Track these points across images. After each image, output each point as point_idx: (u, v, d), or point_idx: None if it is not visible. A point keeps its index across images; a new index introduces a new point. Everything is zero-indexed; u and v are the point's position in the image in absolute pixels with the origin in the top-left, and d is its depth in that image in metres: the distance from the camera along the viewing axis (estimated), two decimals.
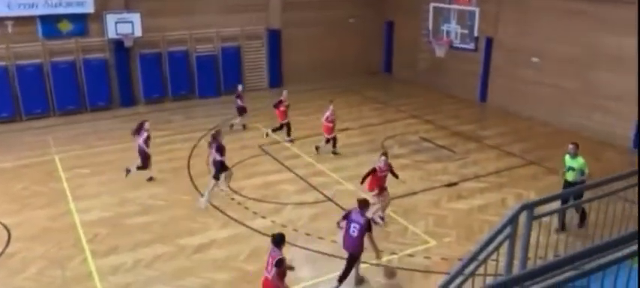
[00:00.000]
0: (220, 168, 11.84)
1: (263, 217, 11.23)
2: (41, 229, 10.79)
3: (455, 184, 12.78)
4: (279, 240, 7.50)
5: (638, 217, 3.78)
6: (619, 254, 3.75)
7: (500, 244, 4.79)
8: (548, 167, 13.76)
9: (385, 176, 10.83)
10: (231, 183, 12.63)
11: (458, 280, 4.61)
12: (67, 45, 18.18)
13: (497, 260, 4.86)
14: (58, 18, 17.78)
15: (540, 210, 4.91)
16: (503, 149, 15.02)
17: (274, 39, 21.36)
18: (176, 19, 19.51)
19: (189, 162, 14.21)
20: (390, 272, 9.15)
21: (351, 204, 11.65)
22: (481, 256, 4.72)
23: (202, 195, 11.92)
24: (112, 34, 18.10)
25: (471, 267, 4.71)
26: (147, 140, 12.81)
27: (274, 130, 15.75)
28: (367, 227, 8.40)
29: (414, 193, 12.33)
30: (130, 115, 18.41)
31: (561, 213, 9.98)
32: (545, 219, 5.07)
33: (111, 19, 17.96)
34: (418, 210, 11.59)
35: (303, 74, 22.09)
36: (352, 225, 8.46)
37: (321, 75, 22.45)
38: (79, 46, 18.24)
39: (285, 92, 15.99)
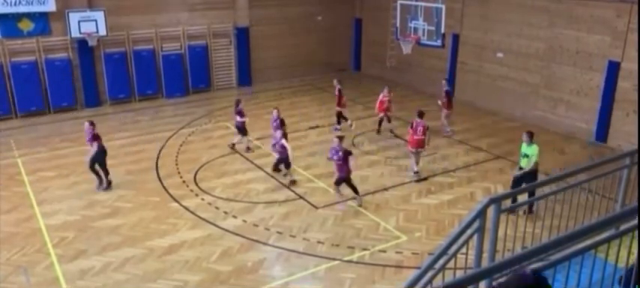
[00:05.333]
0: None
1: (234, 217, 11.15)
2: (4, 235, 10.47)
3: (424, 179, 12.93)
4: (422, 113, 12.85)
5: (638, 206, 3.91)
6: (582, 245, 3.86)
7: (470, 237, 4.87)
8: (515, 161, 14.02)
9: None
10: (202, 183, 12.53)
11: (429, 274, 4.67)
12: (29, 44, 17.67)
13: (466, 254, 4.94)
14: (18, 17, 17.26)
15: (507, 203, 5.01)
16: (471, 144, 15.26)
17: (242, 37, 21.20)
18: (141, 17, 19.17)
19: (157, 163, 14.00)
20: None
21: (323, 201, 11.83)
22: (451, 250, 4.80)
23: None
24: (75, 33, 17.65)
25: (442, 261, 4.78)
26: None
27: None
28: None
29: (385, 189, 12.43)
30: (95, 116, 18.01)
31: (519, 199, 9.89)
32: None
33: (74, 17, 17.51)
34: (389, 205, 11.68)
35: (272, 72, 22.04)
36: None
37: (290, 72, 22.44)
38: (41, 46, 17.76)
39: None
